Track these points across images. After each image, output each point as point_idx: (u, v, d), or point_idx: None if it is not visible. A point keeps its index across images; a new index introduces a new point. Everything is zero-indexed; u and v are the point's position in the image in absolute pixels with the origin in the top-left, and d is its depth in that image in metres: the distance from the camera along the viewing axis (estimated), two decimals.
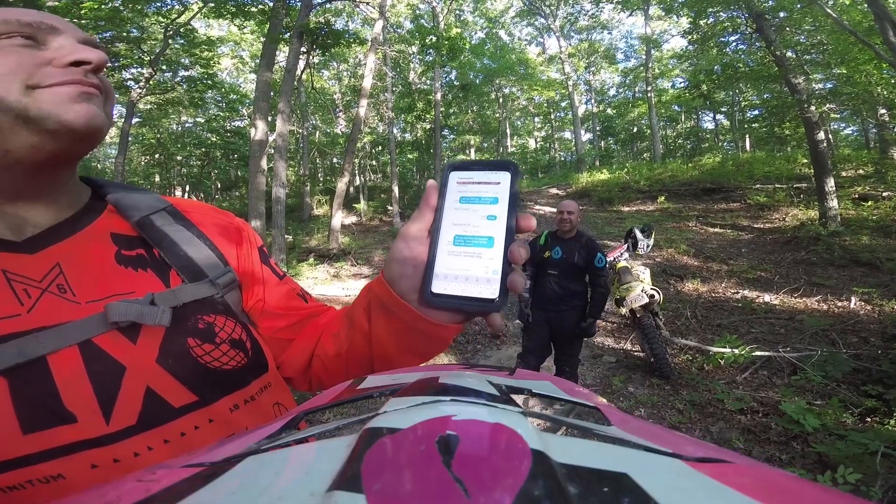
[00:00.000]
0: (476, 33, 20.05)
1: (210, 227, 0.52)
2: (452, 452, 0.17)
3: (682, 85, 17.78)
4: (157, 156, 19.99)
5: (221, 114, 16.69)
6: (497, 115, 20.35)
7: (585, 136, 25.98)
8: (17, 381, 0.35)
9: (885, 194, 8.78)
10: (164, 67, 12.93)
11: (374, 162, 21.03)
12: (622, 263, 4.02)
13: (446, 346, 0.47)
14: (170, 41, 11.45)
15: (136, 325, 0.41)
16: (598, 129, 26.31)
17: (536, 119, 27.65)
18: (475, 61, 16.20)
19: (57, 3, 9.07)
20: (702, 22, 10.19)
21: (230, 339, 0.46)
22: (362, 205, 16.04)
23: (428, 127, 16.59)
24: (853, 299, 5.25)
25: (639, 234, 4.30)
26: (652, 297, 3.73)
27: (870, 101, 8.84)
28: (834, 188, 8.03)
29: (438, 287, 0.42)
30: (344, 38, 10.31)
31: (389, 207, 14.75)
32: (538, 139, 29.65)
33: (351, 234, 12.30)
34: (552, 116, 26.38)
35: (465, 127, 19.81)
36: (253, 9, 9.98)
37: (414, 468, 0.17)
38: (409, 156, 18.09)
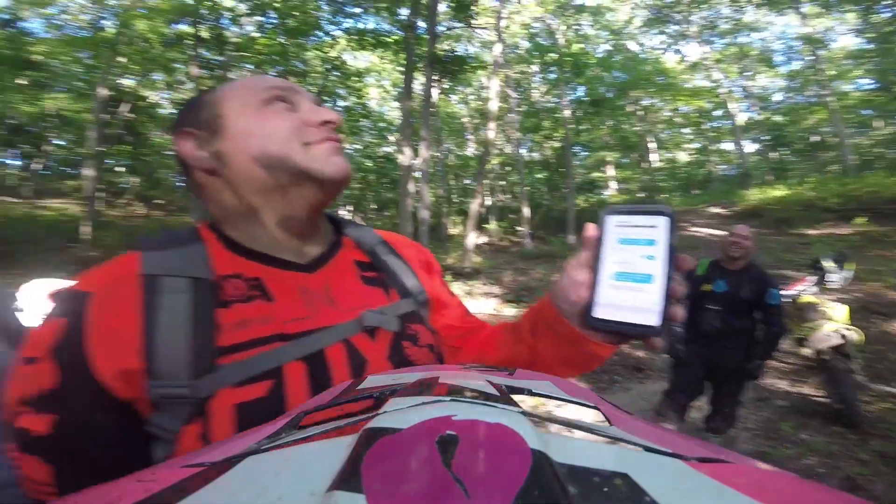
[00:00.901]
0: (600, 46, 19.12)
1: (410, 257, 0.66)
2: (452, 452, 0.17)
3: (871, 86, 14.31)
4: None
5: (374, 141, 18.80)
6: (637, 128, 18.95)
7: (750, 147, 22.55)
8: (311, 366, 0.47)
9: None
10: (325, 99, 15.33)
11: (503, 182, 21.41)
12: (807, 298, 3.42)
13: (602, 362, 0.54)
14: (329, 74, 13.39)
15: (375, 329, 0.53)
16: (765, 138, 22.62)
17: (685, 130, 24.96)
18: (604, 75, 15.53)
19: (239, 40, 11.55)
20: (874, 18, 8.20)
21: (427, 343, 0.58)
22: (493, 225, 16.39)
23: (557, 145, 16.32)
24: None
25: (829, 265, 3.58)
26: (845, 337, 3.06)
27: None
28: None
29: (600, 313, 0.48)
30: (467, 63, 10.97)
31: (519, 228, 14.79)
32: (689, 152, 26.71)
33: (483, 254, 12.65)
34: (704, 126, 23.55)
35: (599, 143, 18.94)
36: (388, 39, 11.49)
37: (414, 468, 0.16)
38: (539, 175, 17.95)
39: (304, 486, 0.16)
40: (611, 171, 21.06)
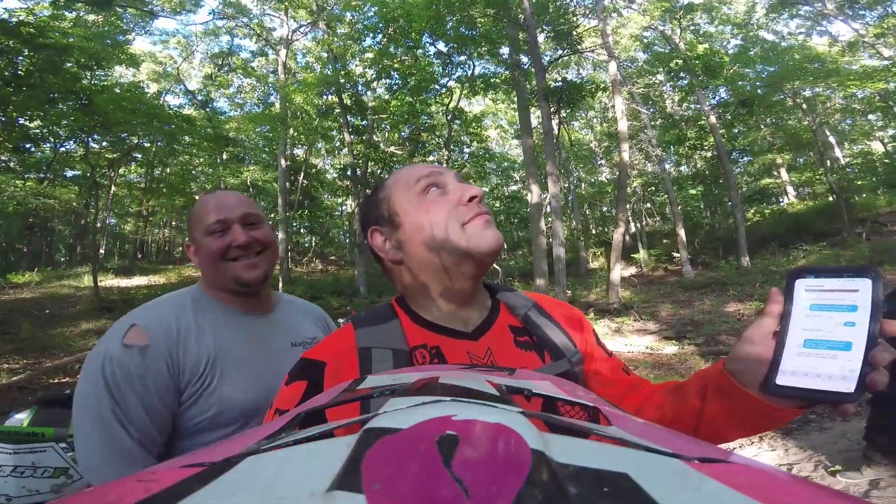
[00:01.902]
0: (729, 42, 17.41)
1: (561, 318, 0.71)
2: (453, 452, 0.17)
3: None
4: None
5: (500, 181, 19.23)
6: (807, 122, 15.93)
7: None
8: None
9: None
10: (454, 149, 16.14)
11: (648, 205, 19.59)
12: None
13: (783, 424, 0.54)
14: (451, 124, 14.26)
15: (530, 394, 0.49)
16: None
17: (871, 117, 20.01)
18: (746, 71, 14.11)
19: (374, 104, 12.98)
20: None
21: (583, 401, 0.51)
22: (641, 254, 14.91)
23: (709, 155, 14.90)
24: None
25: None
26: None
27: None
28: None
29: (784, 381, 0.47)
30: (583, 88, 10.62)
31: (675, 254, 13.16)
32: (885, 140, 21.13)
33: (631, 287, 11.50)
34: None
35: (763, 145, 16.27)
36: (496, 79, 11.94)
37: (414, 468, 0.16)
38: (692, 191, 16.01)
39: (304, 486, 0.16)
40: (785, 176, 17.84)
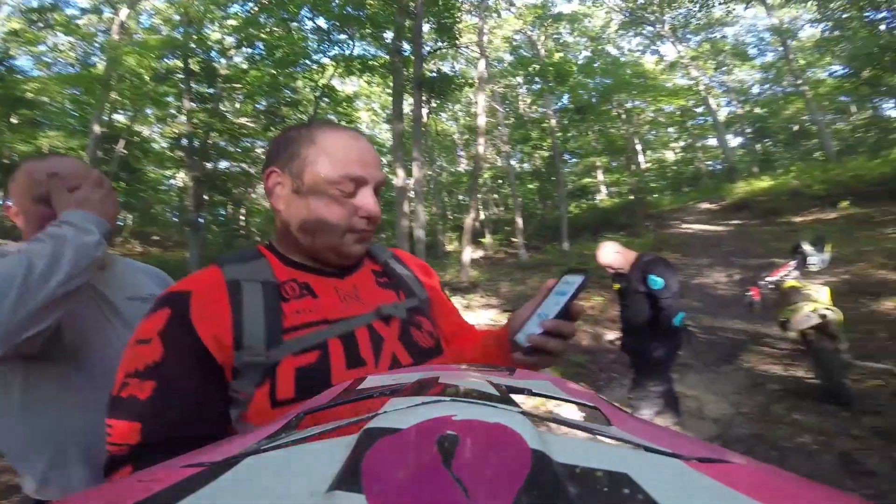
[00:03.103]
0: (581, 53, 19.45)
1: (413, 266, 0.84)
2: (452, 452, 0.17)
3: (841, 73, 14.67)
4: None
5: None
6: (622, 131, 19.36)
7: (734, 141, 22.86)
8: (345, 342, 0.63)
9: None
10: None
11: (496, 195, 21.58)
12: (790, 283, 3.53)
13: (526, 366, 0.67)
14: (319, 101, 13.62)
15: (390, 317, 0.69)
16: (748, 131, 23.00)
17: (670, 130, 25.34)
18: (587, 81, 15.81)
19: (229, 72, 11.85)
20: (832, 5, 8.50)
21: (428, 331, 0.73)
22: (488, 238, 16.51)
23: (546, 155, 16.53)
24: None
25: (808, 249, 3.71)
26: (824, 317, 3.17)
27: None
28: None
29: (516, 337, 0.63)
30: (455, 81, 11.24)
31: (514, 239, 14.92)
32: (676, 151, 27.04)
33: (479, 268, 12.76)
34: (689, 125, 23.94)
35: (588, 149, 19.24)
36: (374, 63, 11.75)
37: (414, 468, 0.17)
38: (530, 186, 18.15)
39: (304, 486, 0.16)
40: (601, 176, 21.30)
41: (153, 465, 0.38)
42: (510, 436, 0.19)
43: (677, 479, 0.16)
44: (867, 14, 8.99)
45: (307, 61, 12.05)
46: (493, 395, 0.27)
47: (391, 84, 11.14)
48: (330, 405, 0.32)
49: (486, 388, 0.28)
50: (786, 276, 3.60)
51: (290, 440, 0.22)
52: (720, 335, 5.34)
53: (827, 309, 3.22)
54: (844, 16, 9.13)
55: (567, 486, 0.15)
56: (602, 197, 21.19)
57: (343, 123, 0.78)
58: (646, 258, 2.73)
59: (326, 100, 13.73)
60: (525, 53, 15.59)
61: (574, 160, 20.44)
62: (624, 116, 18.67)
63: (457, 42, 11.26)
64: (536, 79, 12.94)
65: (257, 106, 13.11)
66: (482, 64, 12.01)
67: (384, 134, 22.37)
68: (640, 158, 22.10)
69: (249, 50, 11.89)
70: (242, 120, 12.45)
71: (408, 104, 12.01)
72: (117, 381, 0.55)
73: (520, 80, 14.85)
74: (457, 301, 9.62)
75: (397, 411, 0.23)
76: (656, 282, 2.58)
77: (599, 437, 0.22)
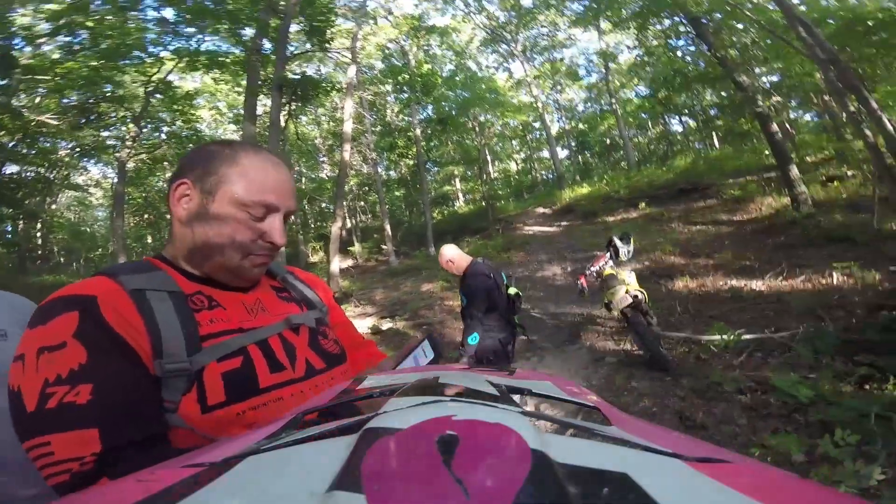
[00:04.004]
0: (446, 66, 20.54)
1: (308, 280, 0.87)
2: (453, 452, 0.17)
3: (645, 93, 18.54)
4: (145, 216, 19.93)
5: None
6: (476, 143, 21.00)
7: (563, 154, 26.69)
8: (262, 348, 0.64)
9: (850, 174, 9.22)
10: (147, 125, 13.13)
11: (363, 203, 21.37)
12: (608, 271, 4.29)
13: None
14: (150, 98, 11.80)
15: (298, 326, 0.72)
16: (573, 144, 27.12)
17: (514, 142, 28.35)
18: (449, 94, 16.69)
19: (32, 61, 9.57)
20: (649, 32, 10.79)
21: (333, 338, 0.78)
22: (357, 247, 16.23)
23: (412, 163, 16.93)
24: (835, 275, 5.50)
25: (618, 242, 4.58)
26: (636, 297, 3.97)
27: (810, 90, 9.32)
28: (798, 174, 8.48)
29: None
30: (321, 86, 10.79)
31: (384, 247, 14.96)
32: (518, 161, 30.36)
33: (350, 277, 12.49)
34: (528, 138, 27.15)
35: (447, 159, 20.22)
36: (225, 59, 10.55)
37: (414, 468, 0.16)
38: (397, 193, 18.44)
39: (304, 486, 0.16)
40: (458, 184, 22.71)
41: (127, 467, 0.39)
42: (510, 436, 0.19)
43: (677, 479, 0.16)
44: (671, 41, 11.34)
45: (140, 53, 10.30)
46: (493, 395, 0.27)
47: (243, 83, 10.16)
48: (330, 405, 0.32)
49: (486, 388, 0.29)
50: (604, 265, 4.37)
51: (290, 440, 0.23)
52: (563, 319, 6.25)
53: (637, 290, 4.05)
54: (654, 42, 11.36)
55: (567, 486, 0.15)
56: (460, 204, 22.70)
57: (265, 148, 0.74)
58: (469, 271, 2.95)
59: (160, 96, 11.87)
60: (396, 62, 15.77)
61: (436, 169, 21.44)
62: (477, 129, 20.29)
63: (327, 46, 10.82)
64: (405, 88, 13.17)
65: (65, 101, 10.62)
66: (353, 70, 11.81)
67: (230, 136, 20.22)
68: (490, 168, 24.29)
69: (68, 38, 9.60)
70: (44, 117, 9.95)
71: (262, 105, 11.09)
72: (28, 397, 0.48)
73: (389, 87, 15.01)
74: None
75: (397, 411, 0.23)
76: (462, 299, 2.91)
77: (599, 437, 0.22)
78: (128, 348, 0.53)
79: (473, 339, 2.78)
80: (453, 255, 3.00)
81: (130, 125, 12.02)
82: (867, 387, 3.04)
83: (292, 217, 0.74)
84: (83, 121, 11.23)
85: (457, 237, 14.86)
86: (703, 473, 0.16)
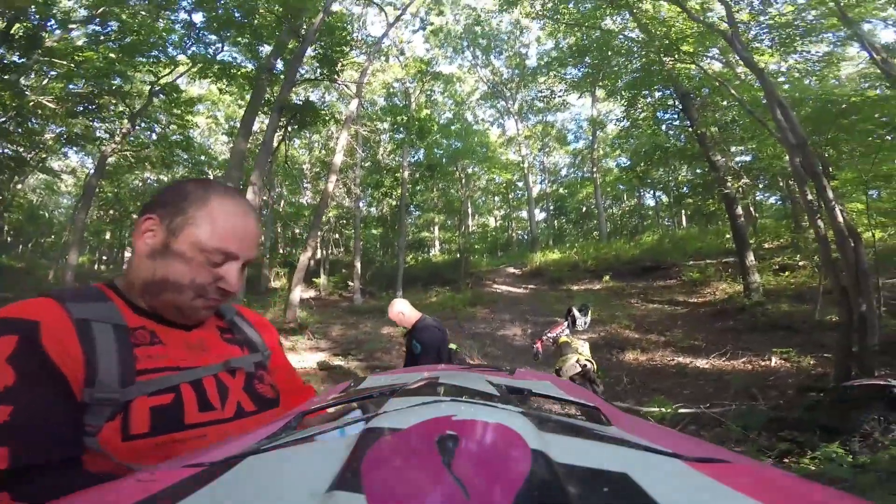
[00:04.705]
0: (444, 114, 20.91)
1: (256, 323, 0.88)
2: (452, 452, 0.17)
3: (626, 164, 19.44)
4: (111, 211, 19.31)
5: (187, 174, 16.23)
6: (460, 193, 21.34)
7: (540, 216, 27.46)
8: (195, 388, 0.66)
9: (801, 263, 9.77)
10: (141, 124, 12.94)
11: (337, 235, 21.20)
12: (563, 339, 4.40)
13: None
14: (153, 98, 11.69)
15: (236, 369, 0.74)
16: (551, 208, 28.01)
17: (496, 198, 29.01)
18: (442, 141, 16.96)
19: (55, 44, 9.52)
20: (639, 105, 11.44)
21: (269, 383, 0.79)
22: (322, 279, 15.94)
23: (394, 203, 16.96)
24: (773, 359, 5.76)
25: (576, 313, 4.72)
26: (584, 366, 4.05)
27: (777, 173, 9.97)
28: (754, 262, 8.96)
29: None
30: (321, 115, 10.90)
31: (350, 283, 14.73)
32: (497, 218, 30.97)
33: (309, 309, 12.20)
34: (510, 196, 27.90)
35: (430, 205, 20.30)
36: (236, 72, 10.60)
37: (414, 468, 0.17)
38: (374, 231, 18.40)
39: (304, 486, 0.16)
40: (437, 232, 22.94)
41: (32, 490, 0.42)
42: (510, 436, 0.19)
43: (677, 479, 0.16)
44: (658, 113, 11.78)
45: (160, 53, 10.38)
46: (493, 395, 0.27)
47: (247, 98, 10.28)
48: (330, 405, 0.32)
49: (486, 388, 0.29)
50: (561, 332, 4.49)
51: (290, 440, 0.23)
52: None
53: (587, 360, 4.13)
54: (642, 115, 12.05)
55: (567, 486, 0.15)
56: (436, 252, 22.63)
57: (237, 190, 0.79)
58: (419, 324, 3.18)
59: (162, 96, 11.89)
60: (398, 102, 16.07)
61: (417, 213, 21.58)
62: (463, 180, 20.73)
63: (335, 77, 11.01)
64: (402, 129, 13.53)
65: (71, 87, 10.53)
66: (355, 104, 11.94)
67: (218, 146, 20.24)
68: (469, 221, 24.51)
69: (97, 28, 9.68)
70: (43, 99, 9.79)
71: (260, 122, 11.19)
72: None
73: (386, 125, 15.25)
74: (281, 343, 8.96)
75: (398, 411, 0.23)
76: (416, 346, 3.09)
77: (599, 437, 0.22)
78: (59, 375, 0.56)
79: None
80: (404, 309, 3.24)
81: (125, 121, 11.92)
82: (786, 460, 3.15)
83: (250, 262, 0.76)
84: (81, 109, 11.08)
85: (427, 285, 14.83)
86: (703, 473, 0.16)
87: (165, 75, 11.63)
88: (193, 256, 0.68)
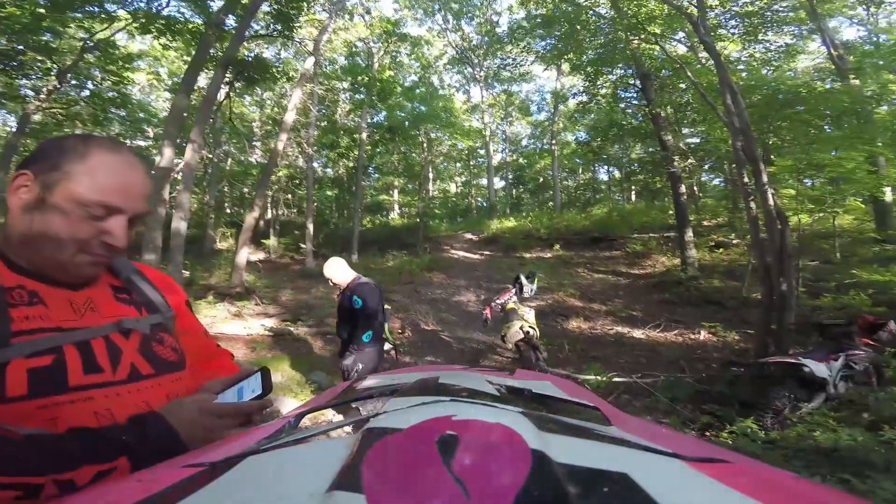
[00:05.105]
0: (410, 76, 20.23)
1: (158, 282, 0.84)
2: (453, 452, 0.17)
3: (583, 139, 19.82)
4: None
5: (124, 132, 15.29)
6: (421, 158, 21.05)
7: (499, 184, 27.65)
8: (81, 350, 0.63)
9: (735, 241, 10.49)
10: (72, 81, 11.85)
11: (289, 196, 20.38)
12: (510, 305, 4.47)
13: None
14: (85, 55, 10.57)
15: (130, 331, 0.71)
16: (510, 177, 28.28)
17: (458, 164, 28.86)
18: (406, 104, 16.47)
19: None
20: (600, 81, 11.60)
21: (171, 346, 0.77)
22: (272, 241, 15.39)
23: (351, 165, 16.53)
24: (702, 332, 6.20)
25: (524, 280, 4.81)
26: (528, 333, 4.16)
27: (723, 157, 10.56)
28: (692, 237, 9.52)
29: None
30: (271, 72, 10.21)
31: (302, 245, 14.33)
32: (458, 184, 30.92)
33: (257, 272, 11.76)
34: (471, 163, 27.82)
35: (390, 168, 20.00)
36: (184, 27, 9.75)
37: (414, 468, 0.16)
38: (329, 192, 17.85)
39: (304, 486, 0.16)
40: (396, 196, 22.58)
41: None
42: (510, 436, 0.19)
43: (677, 479, 0.16)
44: (619, 91, 11.97)
45: (97, 8, 9.16)
46: (492, 395, 0.27)
47: (193, 56, 9.38)
48: (330, 405, 0.32)
49: (486, 388, 0.28)
50: (508, 299, 4.58)
51: (290, 440, 0.22)
52: (467, 345, 6.36)
53: (531, 327, 4.25)
54: (603, 90, 12.16)
55: (567, 486, 0.14)
56: (394, 216, 22.40)
57: (123, 144, 0.74)
58: (358, 281, 3.30)
59: (97, 52, 10.60)
60: (360, 62, 15.33)
61: (376, 176, 21.15)
62: (425, 144, 20.37)
63: (291, 34, 10.35)
64: (362, 89, 12.90)
65: None
66: (310, 61, 11.39)
67: (161, 103, 18.52)
68: (430, 186, 24.41)
69: None
70: None
71: (205, 77, 10.30)
72: None
73: (345, 85, 14.61)
74: (224, 308, 8.62)
75: (398, 411, 0.22)
76: (357, 301, 3.18)
77: (599, 437, 0.21)
78: None
79: (367, 337, 3.16)
80: (341, 267, 3.34)
81: (52, 77, 10.59)
82: (707, 433, 3.42)
83: (142, 219, 0.72)
84: (2, 66, 9.73)
85: (384, 248, 14.67)
86: (703, 473, 0.16)
87: (102, 30, 10.38)
88: (71, 210, 0.65)
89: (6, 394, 0.57)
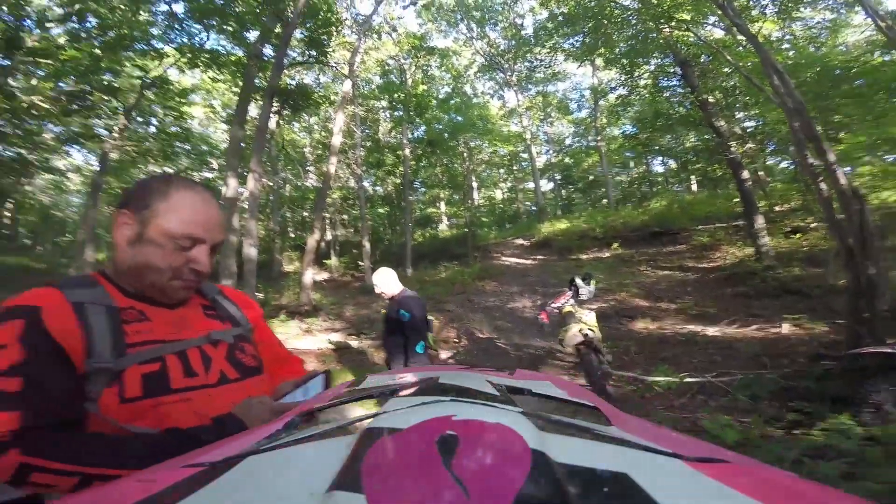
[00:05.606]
0: (443, 88, 20.44)
1: (238, 300, 0.99)
2: (453, 452, 0.18)
3: (630, 132, 18.92)
4: None
5: (191, 166, 16.64)
6: (463, 168, 21.08)
7: (546, 186, 27.07)
8: (180, 358, 0.76)
9: (812, 225, 9.59)
10: (138, 119, 13.14)
11: (345, 216, 21.26)
12: (567, 308, 4.41)
13: None
14: (145, 92, 11.71)
15: (218, 341, 0.84)
16: (557, 178, 27.61)
17: (501, 170, 28.51)
18: (442, 116, 16.54)
19: (37, 44, 9.53)
20: (638, 72, 11.20)
21: (251, 353, 0.90)
22: (333, 260, 16.08)
23: (398, 181, 16.92)
24: (784, 325, 5.73)
25: (579, 283, 4.72)
26: (587, 335, 4.08)
27: (784, 138, 9.76)
28: (764, 225, 8.82)
29: None
30: (313, 98, 10.82)
31: (361, 263, 14.87)
32: (504, 190, 30.60)
33: (322, 291, 12.37)
34: (514, 168, 27.47)
35: (434, 181, 20.16)
36: (227, 59, 10.52)
37: (414, 468, 0.17)
38: (381, 210, 18.42)
39: (304, 486, 0.16)
40: (443, 208, 22.81)
41: (38, 445, 0.57)
42: (510, 436, 0.19)
43: (677, 479, 0.16)
44: (660, 81, 11.50)
45: (145, 46, 10.32)
46: (493, 395, 0.27)
47: (240, 85, 10.25)
48: (330, 405, 0.32)
49: (486, 388, 0.29)
50: (565, 303, 4.50)
51: (290, 440, 0.23)
52: (525, 351, 6.31)
53: (590, 329, 4.16)
54: (642, 82, 11.81)
55: (567, 486, 0.15)
56: (443, 227, 22.60)
57: (198, 182, 0.87)
58: (404, 294, 3.37)
59: (154, 89, 11.84)
60: (394, 80, 15.81)
61: (422, 190, 21.45)
62: (466, 154, 20.50)
63: (325, 59, 10.90)
64: (399, 106, 13.33)
65: (60, 85, 10.60)
66: (348, 84, 11.84)
67: (219, 134, 20.12)
68: (475, 194, 24.28)
69: (76, 25, 9.64)
70: (35, 98, 9.90)
71: (256, 106, 11.13)
72: None
73: (383, 104, 15.13)
74: (296, 325, 9.17)
75: (398, 411, 0.23)
76: (405, 315, 3.25)
77: (599, 437, 0.22)
78: (60, 350, 0.67)
79: (420, 347, 3.21)
80: (390, 277, 3.43)
81: (121, 116, 11.97)
82: (795, 432, 3.16)
83: (220, 247, 0.86)
84: (75, 107, 11.19)
85: (435, 261, 14.89)
86: (703, 473, 0.16)
87: (155, 67, 11.54)
88: (164, 243, 0.77)
89: (125, 395, 0.68)
